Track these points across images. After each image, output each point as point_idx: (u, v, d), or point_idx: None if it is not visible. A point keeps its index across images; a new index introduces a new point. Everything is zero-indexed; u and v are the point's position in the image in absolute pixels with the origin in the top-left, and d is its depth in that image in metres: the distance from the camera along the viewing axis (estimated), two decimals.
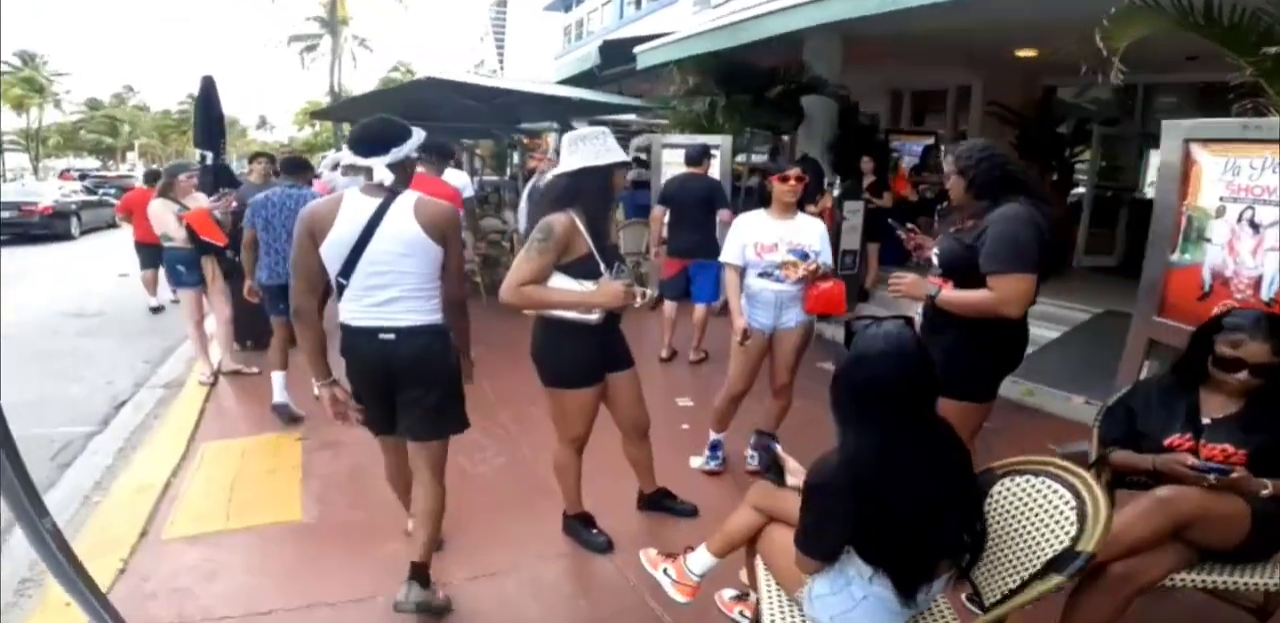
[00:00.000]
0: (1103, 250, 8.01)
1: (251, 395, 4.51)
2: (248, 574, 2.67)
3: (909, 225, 2.82)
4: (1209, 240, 2.96)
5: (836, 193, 5.82)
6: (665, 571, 2.14)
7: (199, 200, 4.65)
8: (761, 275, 3.07)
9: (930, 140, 8.63)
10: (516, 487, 3.33)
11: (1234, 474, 1.73)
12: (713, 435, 3.42)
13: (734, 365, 3.19)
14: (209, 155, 5.31)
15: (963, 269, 2.20)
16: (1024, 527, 1.60)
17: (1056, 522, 1.53)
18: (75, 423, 4.28)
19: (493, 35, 18.02)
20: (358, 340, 2.16)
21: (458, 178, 6.01)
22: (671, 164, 6.43)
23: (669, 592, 2.12)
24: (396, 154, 2.12)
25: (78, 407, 4.56)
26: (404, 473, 2.41)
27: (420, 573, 2.22)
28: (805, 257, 3.00)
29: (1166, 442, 1.90)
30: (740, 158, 6.97)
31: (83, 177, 23.52)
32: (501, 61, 27.81)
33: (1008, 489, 1.69)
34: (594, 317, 2.36)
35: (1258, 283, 2.78)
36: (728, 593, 2.32)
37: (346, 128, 14.62)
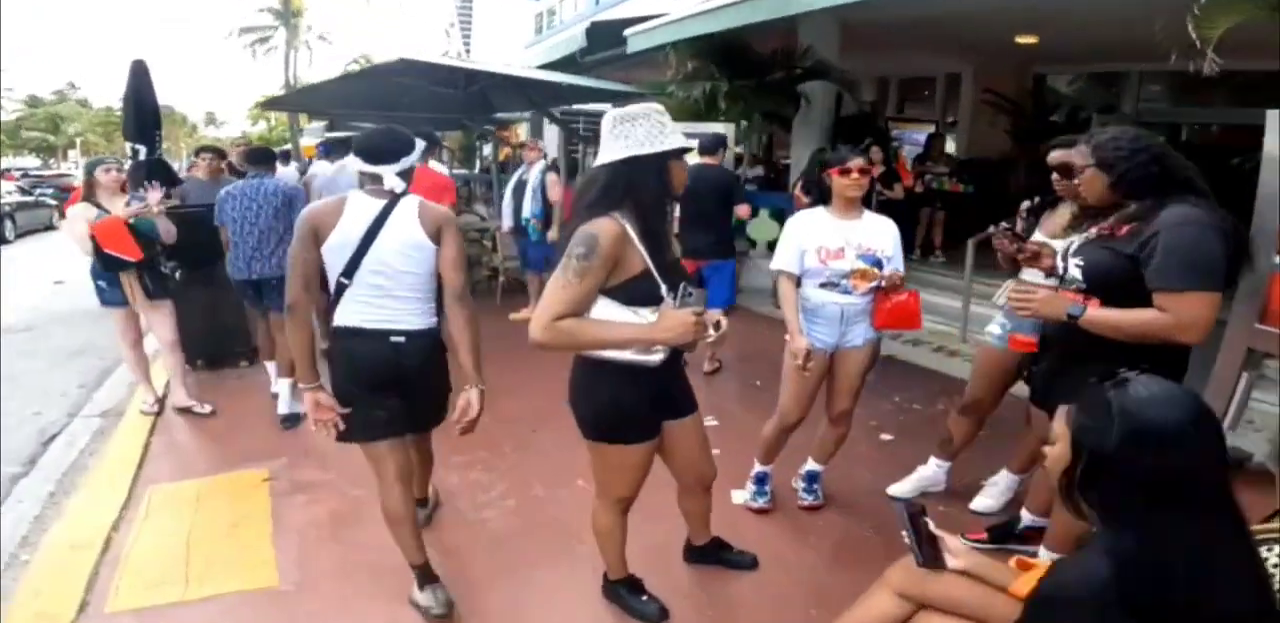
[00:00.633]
0: None
1: (204, 426, 3.90)
2: None
3: (1005, 226, 2.38)
4: None
5: None
6: None
7: (120, 205, 3.77)
8: (824, 286, 2.57)
9: (931, 129, 8.28)
10: (533, 536, 2.81)
11: None
12: (758, 467, 2.95)
13: (788, 392, 2.71)
14: (142, 150, 4.58)
15: (1117, 285, 1.76)
16: None
17: None
18: None
19: (459, 25, 17.29)
20: (365, 343, 2.13)
21: (440, 169, 5.50)
22: None
23: None
24: (405, 163, 2.18)
25: None
26: (409, 467, 2.34)
27: (422, 501, 2.74)
28: (878, 263, 2.52)
29: None
30: (739, 147, 6.52)
31: (24, 176, 22.05)
32: (468, 51, 26.91)
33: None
34: (655, 357, 1.83)
35: None
36: None
37: (304, 119, 13.79)
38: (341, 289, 2.12)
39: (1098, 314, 1.76)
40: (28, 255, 11.90)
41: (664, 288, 1.74)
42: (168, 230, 3.82)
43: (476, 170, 15.11)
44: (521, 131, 16.22)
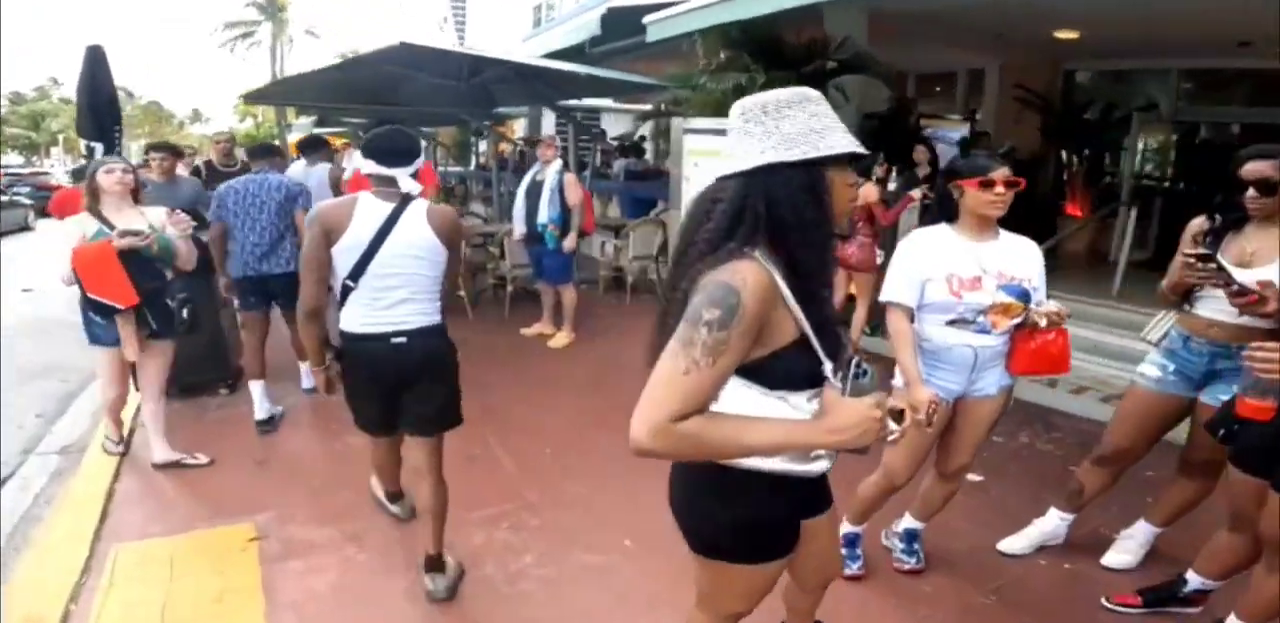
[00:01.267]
0: (1138, 245, 7.41)
1: (178, 469, 3.35)
2: None
3: (1202, 252, 1.91)
4: None
5: (892, 185, 4.91)
6: None
7: (134, 217, 3.06)
8: (953, 323, 2.07)
9: (966, 126, 7.82)
10: (584, 619, 2.32)
11: None
12: (847, 527, 2.47)
13: (899, 448, 2.20)
14: (98, 148, 3.96)
15: None
16: None
17: None
18: None
19: (454, 20, 16.74)
20: (367, 346, 2.16)
21: None
22: (694, 152, 5.47)
23: None
24: (417, 164, 2.20)
25: None
26: (394, 461, 2.56)
27: (438, 563, 2.37)
28: (1024, 296, 2.02)
29: None
30: None
31: (6, 174, 21.23)
32: (463, 45, 26.03)
33: None
34: (818, 465, 1.33)
35: None
36: None
37: (292, 115, 13.20)
38: (347, 291, 2.11)
39: None
40: None
41: (827, 365, 1.21)
42: (189, 257, 3.13)
43: (472, 167, 14.53)
44: (518, 127, 15.68)
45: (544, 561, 2.60)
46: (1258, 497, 1.77)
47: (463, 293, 5.61)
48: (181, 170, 4.70)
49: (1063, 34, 7.17)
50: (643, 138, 9.76)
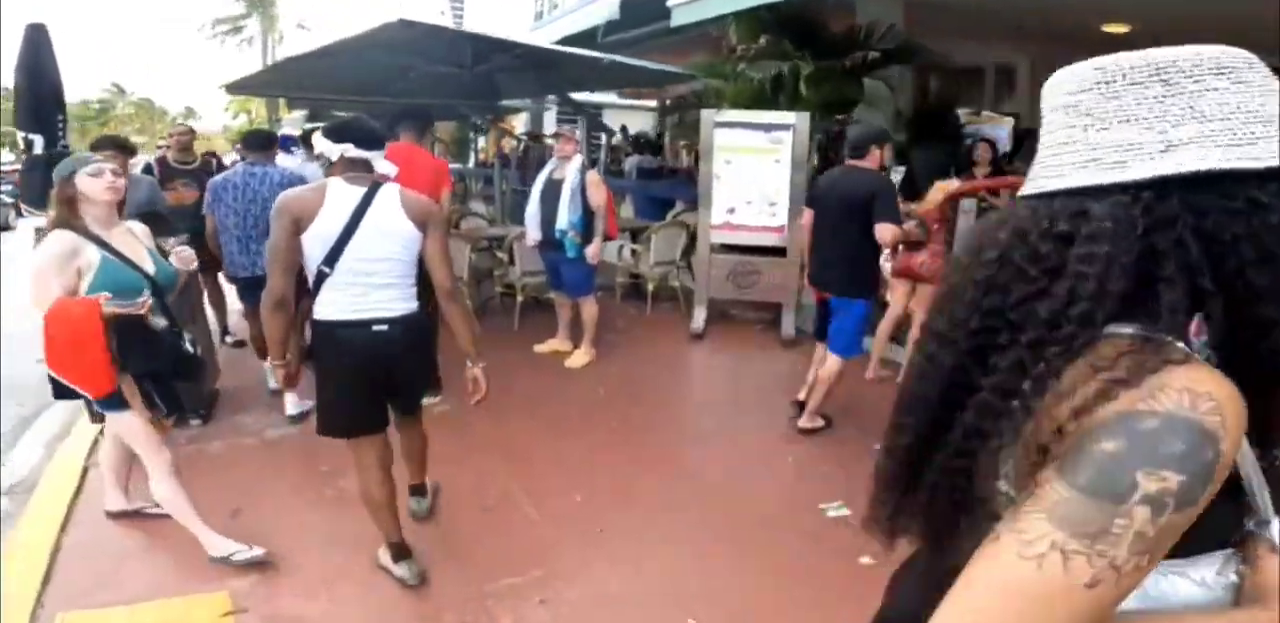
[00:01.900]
0: None
1: (138, 519, 2.80)
2: None
3: None
4: None
5: (953, 184, 4.42)
6: None
7: (125, 238, 2.36)
8: None
9: (1010, 124, 7.36)
10: None
11: None
12: None
13: None
14: (37, 141, 3.36)
15: None
16: None
17: None
18: None
19: (451, 12, 16.18)
20: (347, 334, 2.13)
21: None
22: (725, 148, 4.97)
23: None
24: (385, 149, 2.22)
25: None
26: (387, 476, 2.31)
27: (421, 489, 2.72)
28: None
29: None
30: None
31: None
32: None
33: None
34: None
35: None
36: None
37: (284, 109, 12.61)
38: (322, 278, 2.09)
39: None
40: None
41: (1273, 521, 0.68)
42: (186, 267, 2.58)
43: (471, 164, 13.98)
44: (518, 123, 15.13)
45: None
46: None
47: (468, 302, 5.08)
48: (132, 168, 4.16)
49: (1111, 28, 6.76)
50: (660, 134, 9.29)
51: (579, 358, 4.49)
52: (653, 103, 14.72)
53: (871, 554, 2.57)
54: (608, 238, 4.46)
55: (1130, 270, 0.59)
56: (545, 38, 9.62)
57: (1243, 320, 0.59)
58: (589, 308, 4.47)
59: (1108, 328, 0.59)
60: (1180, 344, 0.58)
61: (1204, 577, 0.67)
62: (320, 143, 2.20)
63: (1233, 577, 0.68)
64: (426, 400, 2.96)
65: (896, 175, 4.90)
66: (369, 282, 2.11)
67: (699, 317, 5.16)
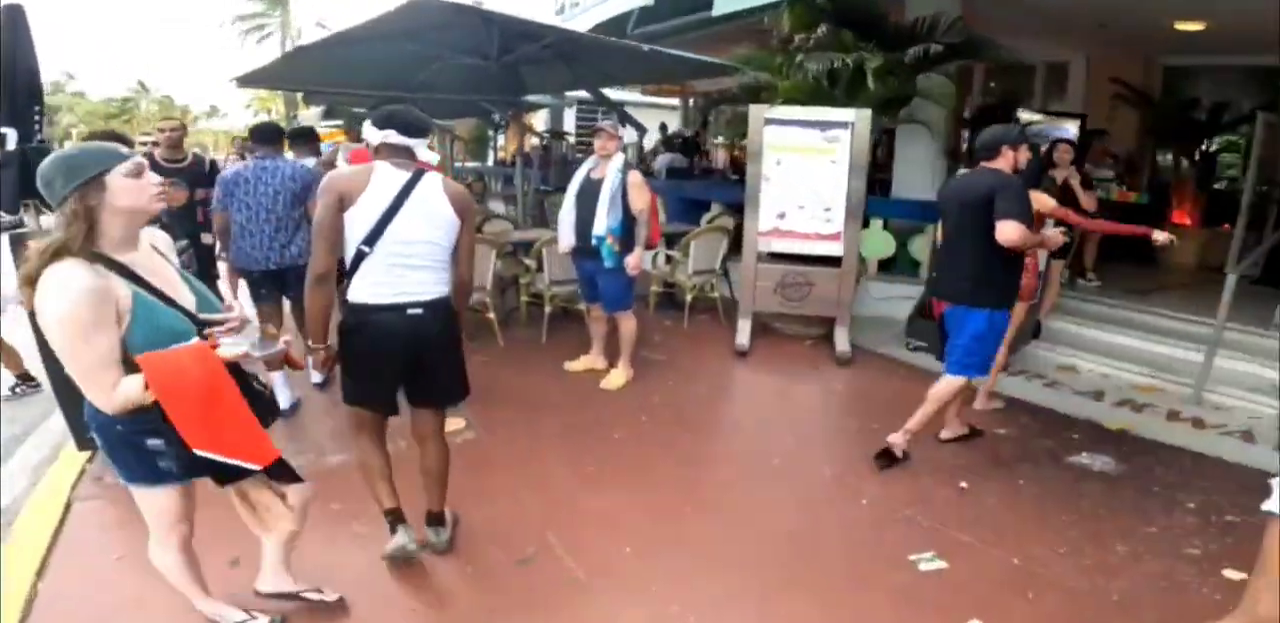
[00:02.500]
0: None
1: (117, 573, 2.39)
2: None
3: None
4: None
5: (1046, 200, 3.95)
6: None
7: (151, 259, 1.68)
8: None
9: (1075, 124, 6.88)
10: None
11: None
12: None
13: None
14: (10, 134, 2.84)
15: None
16: None
17: None
18: None
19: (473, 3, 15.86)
20: (382, 318, 2.14)
21: (430, 158, 4.21)
22: (775, 146, 4.54)
23: None
24: (430, 139, 2.29)
25: None
26: (383, 446, 2.36)
27: (440, 518, 2.47)
28: None
29: None
30: None
31: None
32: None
33: None
34: None
35: None
36: None
37: (302, 105, 12.31)
38: (360, 258, 2.10)
39: None
40: None
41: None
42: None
43: (490, 163, 13.61)
44: (537, 121, 14.76)
45: None
46: None
47: (491, 314, 4.69)
48: None
49: (1185, 25, 6.29)
50: (688, 132, 8.86)
51: (616, 378, 4.07)
52: (674, 101, 14.28)
53: (981, 618, 2.18)
54: (649, 246, 4.04)
55: None
56: (576, 27, 9.23)
57: None
58: (627, 324, 4.04)
59: None
60: None
61: None
62: (366, 129, 2.23)
63: None
64: (451, 421, 2.84)
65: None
66: (407, 263, 2.12)
67: (743, 331, 4.73)
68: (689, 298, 5.26)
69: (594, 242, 3.81)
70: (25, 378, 4.02)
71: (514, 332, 4.95)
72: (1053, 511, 2.86)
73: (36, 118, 2.91)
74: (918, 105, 5.41)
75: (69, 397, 3.01)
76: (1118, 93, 7.27)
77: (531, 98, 8.49)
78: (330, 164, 4.59)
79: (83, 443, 3.09)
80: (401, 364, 2.21)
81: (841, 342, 4.61)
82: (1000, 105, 5.66)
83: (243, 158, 6.71)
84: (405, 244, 2.10)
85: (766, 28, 5.08)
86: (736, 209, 6.33)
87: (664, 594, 2.28)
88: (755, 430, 3.65)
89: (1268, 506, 1.51)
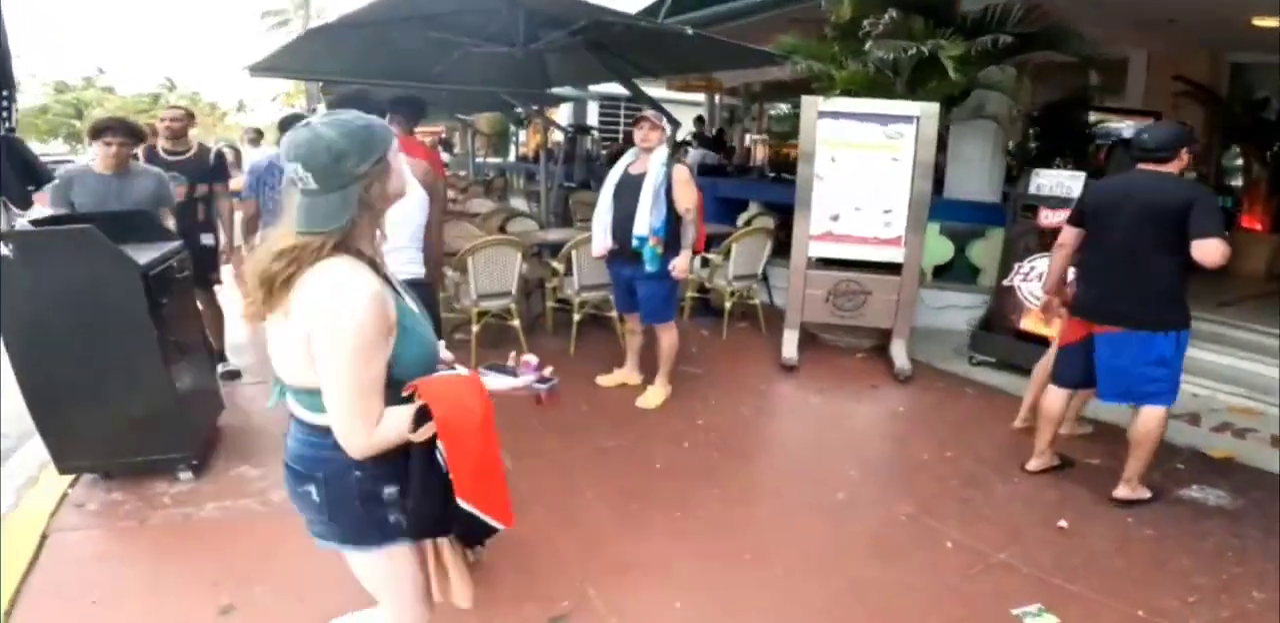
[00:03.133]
0: None
1: (100, 607, 2.11)
2: None
3: None
4: None
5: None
6: None
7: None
8: None
9: (1148, 120, 6.40)
10: None
11: None
12: None
13: None
14: None
15: None
16: None
17: None
18: None
19: None
20: None
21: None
22: (830, 142, 4.14)
23: None
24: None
25: None
26: None
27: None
28: None
29: None
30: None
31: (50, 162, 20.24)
32: None
33: None
34: None
35: None
36: None
37: (323, 99, 12.04)
38: None
39: None
40: None
41: None
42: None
43: (512, 158, 13.29)
44: (559, 116, 14.41)
45: None
46: None
47: (516, 321, 4.33)
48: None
49: (1262, 21, 5.82)
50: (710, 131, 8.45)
51: (654, 396, 3.68)
52: (699, 97, 13.86)
53: None
54: (695, 250, 3.66)
55: None
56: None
57: None
58: (668, 336, 3.65)
59: None
60: None
61: None
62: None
63: None
64: None
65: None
66: (386, 243, 1.78)
67: (790, 343, 4.33)
68: (728, 305, 4.87)
69: (634, 243, 3.43)
70: None
71: (540, 340, 4.59)
72: (1171, 553, 2.48)
73: (6, 105, 2.54)
74: (983, 99, 5.00)
75: (49, 414, 2.71)
76: (1183, 90, 6.79)
77: (555, 91, 8.13)
78: None
79: (65, 467, 2.77)
80: None
81: (900, 356, 4.20)
82: (1071, 101, 5.22)
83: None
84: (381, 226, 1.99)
85: (808, 17, 4.66)
86: (775, 208, 5.95)
87: None
88: (813, 459, 3.26)
89: None
